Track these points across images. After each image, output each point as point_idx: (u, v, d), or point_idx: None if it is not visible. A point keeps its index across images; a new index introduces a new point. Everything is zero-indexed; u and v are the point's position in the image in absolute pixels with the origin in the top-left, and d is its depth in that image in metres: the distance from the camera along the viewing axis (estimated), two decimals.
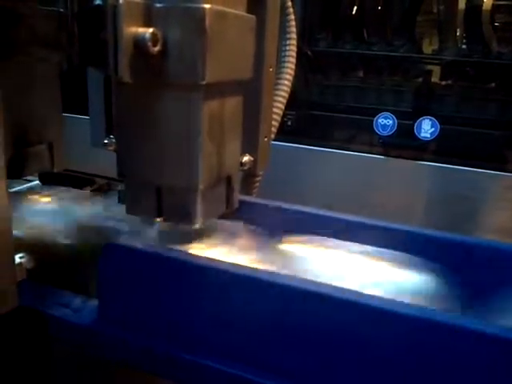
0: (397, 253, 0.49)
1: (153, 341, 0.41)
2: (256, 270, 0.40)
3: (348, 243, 0.50)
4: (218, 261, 0.40)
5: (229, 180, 0.47)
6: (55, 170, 0.57)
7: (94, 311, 0.42)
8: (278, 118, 0.70)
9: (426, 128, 1.37)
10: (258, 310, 0.38)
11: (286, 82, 0.69)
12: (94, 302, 0.43)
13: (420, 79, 1.52)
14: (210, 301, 0.39)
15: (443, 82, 1.52)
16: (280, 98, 0.68)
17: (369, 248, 0.50)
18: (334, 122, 1.55)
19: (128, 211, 0.44)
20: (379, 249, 0.50)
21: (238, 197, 0.50)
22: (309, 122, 1.57)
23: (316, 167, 1.45)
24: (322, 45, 1.59)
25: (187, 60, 0.37)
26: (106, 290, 0.42)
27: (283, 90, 0.69)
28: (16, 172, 0.54)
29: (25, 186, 0.61)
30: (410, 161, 1.37)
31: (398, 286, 0.46)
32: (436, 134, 1.36)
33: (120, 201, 0.47)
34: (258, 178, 0.65)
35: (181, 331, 0.41)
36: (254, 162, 0.57)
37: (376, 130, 1.41)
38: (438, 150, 1.37)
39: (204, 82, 0.38)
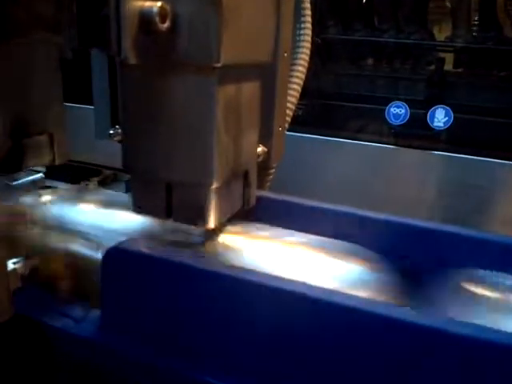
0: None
1: (160, 355, 0.37)
2: (275, 277, 0.36)
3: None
4: (231, 266, 0.37)
5: (245, 175, 0.43)
6: (57, 163, 0.54)
7: (97, 321, 0.39)
8: (293, 107, 0.67)
9: (440, 117, 1.35)
10: (272, 322, 0.34)
11: (301, 69, 0.66)
12: (97, 311, 0.39)
13: (433, 67, 1.49)
14: (221, 310, 0.36)
15: (457, 70, 1.49)
16: (294, 86, 0.65)
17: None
18: (344, 111, 1.54)
19: (134, 210, 0.40)
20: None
21: (255, 193, 0.46)
22: (318, 111, 1.55)
23: (326, 158, 1.44)
24: (332, 32, 1.57)
25: (200, 39, 0.33)
26: (109, 298, 0.38)
27: (297, 77, 0.66)
28: (14, 165, 0.50)
29: (28, 178, 0.58)
30: (422, 151, 1.34)
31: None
32: (450, 123, 1.33)
33: (127, 191, 0.43)
34: (271, 171, 0.62)
35: (190, 344, 0.37)
36: (268, 154, 0.54)
37: (388, 119, 1.39)
38: (452, 139, 1.35)
39: (219, 65, 0.33)
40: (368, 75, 1.57)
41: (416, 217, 1.26)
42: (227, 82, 0.36)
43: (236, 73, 0.37)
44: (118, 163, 0.45)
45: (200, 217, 0.38)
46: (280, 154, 0.59)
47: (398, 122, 1.39)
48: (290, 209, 0.49)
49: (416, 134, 1.38)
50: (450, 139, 1.35)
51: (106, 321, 0.38)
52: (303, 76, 0.67)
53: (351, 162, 1.41)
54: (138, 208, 0.40)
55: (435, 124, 1.35)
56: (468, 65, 1.49)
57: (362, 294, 0.40)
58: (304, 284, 0.36)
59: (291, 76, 0.64)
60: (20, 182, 0.58)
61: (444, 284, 0.43)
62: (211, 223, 0.39)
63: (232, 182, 0.41)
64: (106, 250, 0.37)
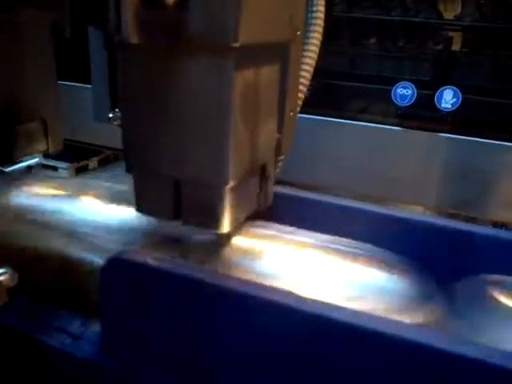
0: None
1: (166, 378, 0.33)
2: (287, 294, 0.32)
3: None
4: (242, 281, 0.32)
5: (263, 169, 0.38)
6: (50, 152, 0.50)
7: (96, 338, 0.34)
8: (304, 89, 0.63)
9: (448, 98, 1.32)
10: (286, 341, 0.30)
11: (313, 48, 0.62)
12: (96, 325, 0.35)
13: (441, 46, 1.45)
14: (233, 328, 0.31)
15: (465, 50, 1.46)
16: (307, 67, 0.61)
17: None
18: (349, 91, 1.51)
19: (138, 209, 0.36)
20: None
21: (273, 189, 0.41)
22: (323, 91, 1.51)
23: (329, 139, 1.42)
24: (337, 10, 1.53)
25: (215, 14, 0.29)
26: (110, 313, 0.34)
27: (310, 57, 0.62)
28: (4, 156, 0.46)
29: (23, 164, 0.54)
30: (429, 133, 1.31)
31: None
32: (458, 105, 1.30)
33: (127, 170, 0.39)
34: (281, 158, 0.58)
35: (200, 366, 0.33)
36: (279, 140, 0.49)
37: (394, 100, 1.35)
38: (460, 121, 1.32)
39: (237, 44, 0.29)
40: (374, 55, 1.54)
41: (421, 198, 1.24)
42: (245, 65, 0.31)
43: (254, 54, 0.32)
44: (119, 144, 0.41)
45: (213, 220, 0.34)
46: (291, 140, 0.54)
47: (404, 103, 1.35)
48: (309, 207, 0.44)
49: (423, 116, 1.35)
50: (458, 121, 1.32)
51: (107, 340, 0.34)
52: (316, 56, 0.63)
53: (356, 143, 1.39)
54: (142, 208, 0.36)
55: (443, 105, 1.32)
56: (477, 44, 1.46)
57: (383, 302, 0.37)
58: (322, 304, 0.32)
59: (303, 56, 0.60)
60: (14, 167, 0.54)
61: (472, 292, 0.39)
62: (225, 227, 0.34)
63: (249, 179, 0.36)
64: (106, 260, 0.32)
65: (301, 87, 0.60)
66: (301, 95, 0.61)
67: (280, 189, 0.45)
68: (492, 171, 1.25)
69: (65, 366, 0.34)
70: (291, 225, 0.43)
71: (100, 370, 0.34)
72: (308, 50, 0.60)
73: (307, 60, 0.61)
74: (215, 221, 0.34)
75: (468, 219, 1.32)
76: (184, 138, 0.32)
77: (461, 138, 1.28)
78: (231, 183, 0.33)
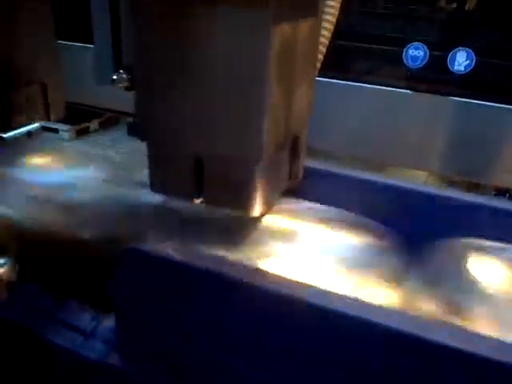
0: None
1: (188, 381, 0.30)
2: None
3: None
4: (278, 278, 0.29)
5: (295, 142, 0.33)
6: (52, 119, 0.46)
7: (110, 337, 0.30)
8: (324, 50, 0.59)
9: (461, 60, 1.28)
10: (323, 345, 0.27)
11: (334, 4, 0.58)
12: (110, 321, 0.31)
13: (454, 5, 1.41)
14: (259, 329, 0.28)
15: (480, 9, 1.41)
16: (327, 25, 0.58)
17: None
18: (358, 52, 1.47)
19: (153, 189, 0.31)
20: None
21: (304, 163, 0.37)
22: (329, 52, 1.46)
23: (337, 102, 1.38)
24: None
25: None
26: (126, 311, 0.30)
27: (331, 14, 0.58)
28: (2, 122, 0.43)
29: (24, 129, 0.51)
30: (441, 96, 1.27)
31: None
32: (471, 67, 1.26)
33: (129, 133, 0.35)
34: None
35: (225, 371, 0.29)
36: None
37: (405, 61, 1.31)
38: (472, 84, 1.28)
39: None
40: (384, 13, 1.49)
41: (426, 163, 1.22)
42: (281, 21, 0.26)
43: (288, 8, 0.27)
44: (121, 106, 0.40)
45: (241, 201, 0.29)
46: (311, 105, 0.50)
47: (416, 65, 1.31)
48: (338, 182, 0.40)
49: (435, 79, 1.31)
50: (471, 84, 1.28)
51: (122, 340, 0.30)
52: (336, 13, 0.59)
53: (363, 106, 1.35)
54: (157, 186, 0.32)
55: (455, 68, 1.28)
56: (492, 3, 1.41)
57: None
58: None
59: (324, 13, 0.55)
60: (14, 133, 0.50)
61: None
62: (256, 210, 0.30)
63: (280, 154, 0.32)
64: (122, 250, 0.28)
65: (320, 48, 0.56)
66: (320, 57, 0.57)
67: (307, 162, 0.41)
68: (505, 137, 1.23)
69: (74, 366, 0.30)
70: (320, 202, 0.39)
71: (116, 373, 0.30)
72: (329, 6, 0.56)
73: (328, 17, 0.57)
74: (244, 203, 0.29)
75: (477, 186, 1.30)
76: (210, 107, 0.27)
77: (473, 102, 1.24)
78: (263, 160, 0.28)
